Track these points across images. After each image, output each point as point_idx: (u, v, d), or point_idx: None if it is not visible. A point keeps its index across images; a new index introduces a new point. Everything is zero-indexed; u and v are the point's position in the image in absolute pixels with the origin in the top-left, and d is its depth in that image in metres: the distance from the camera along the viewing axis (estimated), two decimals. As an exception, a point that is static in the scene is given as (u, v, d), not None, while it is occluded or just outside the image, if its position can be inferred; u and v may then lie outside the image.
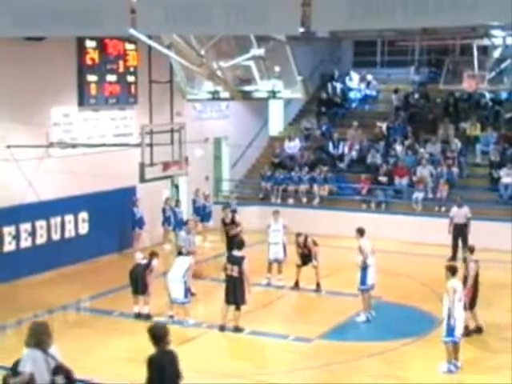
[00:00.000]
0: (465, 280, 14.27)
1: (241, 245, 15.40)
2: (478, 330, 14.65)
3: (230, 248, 18.41)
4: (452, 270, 13.03)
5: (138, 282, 15.69)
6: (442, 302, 12.96)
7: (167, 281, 15.59)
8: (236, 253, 15.18)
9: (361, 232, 15.73)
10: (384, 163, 25.06)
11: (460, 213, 20.63)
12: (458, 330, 12.77)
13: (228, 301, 14.96)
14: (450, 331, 12.77)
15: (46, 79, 18.90)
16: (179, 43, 11.77)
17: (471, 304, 14.43)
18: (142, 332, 15.13)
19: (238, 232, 19.53)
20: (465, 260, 20.08)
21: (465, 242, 20.56)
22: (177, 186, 24.11)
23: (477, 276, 14.59)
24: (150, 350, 14.17)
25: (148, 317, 15.72)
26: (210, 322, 15.48)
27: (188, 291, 15.45)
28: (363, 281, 15.61)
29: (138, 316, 15.77)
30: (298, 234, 17.73)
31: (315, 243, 17.75)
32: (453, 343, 12.83)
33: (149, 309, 15.80)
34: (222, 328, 15.04)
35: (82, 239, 20.32)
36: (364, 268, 15.57)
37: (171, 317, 15.59)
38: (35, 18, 6.81)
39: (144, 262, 15.89)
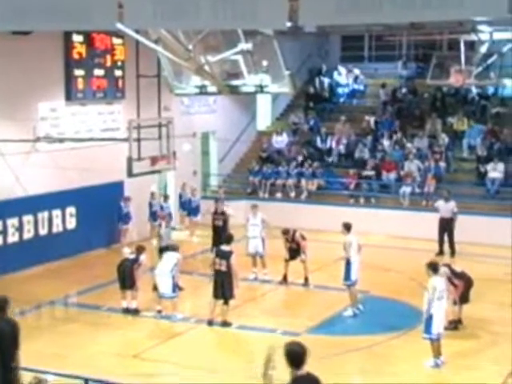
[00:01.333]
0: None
1: (229, 239, 15.42)
2: (458, 322, 14.71)
3: (215, 242, 18.47)
4: (433, 267, 13.06)
5: (126, 277, 15.66)
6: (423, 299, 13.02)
7: (155, 275, 15.59)
8: (224, 247, 15.19)
9: (347, 227, 15.72)
10: (371, 158, 25.12)
11: (447, 207, 20.71)
12: (436, 328, 12.81)
13: (216, 295, 14.97)
14: (428, 328, 12.84)
15: (33, 74, 18.81)
16: (167, 38, 11.75)
17: (461, 299, 14.50)
18: (131, 327, 15.23)
19: (220, 224, 19.57)
20: (452, 255, 20.32)
21: (451, 236, 20.67)
22: (163, 187, 24.04)
23: (463, 273, 14.64)
24: (139, 344, 14.24)
25: (136, 311, 15.73)
26: (198, 316, 15.49)
27: (176, 286, 15.45)
28: (347, 276, 15.67)
29: (126, 311, 15.76)
30: (285, 232, 17.71)
31: (303, 237, 17.77)
32: (430, 340, 12.90)
33: (137, 303, 15.79)
34: (210, 322, 15.05)
35: (69, 234, 20.27)
36: (347, 264, 15.64)
37: (159, 311, 15.60)
38: (23, 13, 6.79)
39: (132, 256, 15.88)
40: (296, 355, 6.98)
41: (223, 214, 20.01)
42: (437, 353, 12.95)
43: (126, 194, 21.32)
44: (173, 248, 16.06)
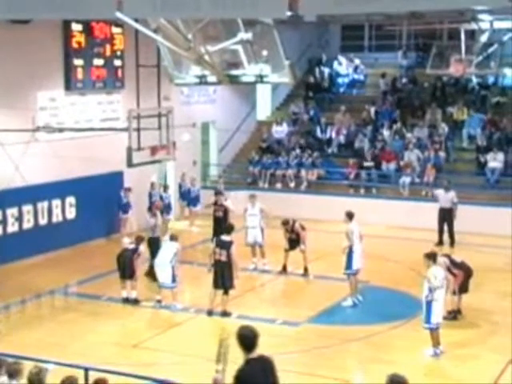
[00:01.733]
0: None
1: (230, 229, 15.43)
2: (457, 312, 14.74)
3: (216, 233, 18.47)
4: (433, 258, 13.08)
5: (126, 267, 15.69)
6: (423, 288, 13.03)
7: (155, 265, 15.60)
8: (224, 237, 15.19)
9: (350, 216, 15.76)
10: (371, 148, 25.09)
11: (446, 197, 20.68)
12: (435, 318, 12.85)
13: (216, 285, 14.99)
14: (427, 318, 12.87)
15: (32, 63, 18.77)
16: (166, 27, 11.70)
17: (461, 289, 14.52)
18: (130, 317, 15.26)
19: (221, 215, 19.58)
20: (452, 245, 20.32)
21: (450, 226, 20.66)
22: (163, 177, 24.00)
23: (462, 263, 14.66)
24: (139, 334, 14.27)
25: (136, 301, 15.75)
26: (198, 306, 15.51)
27: (176, 276, 15.45)
28: (349, 265, 15.69)
29: (126, 300, 15.78)
30: (285, 223, 17.73)
31: (303, 228, 17.78)
32: (430, 330, 12.93)
33: (136, 293, 15.82)
34: (210, 312, 15.07)
35: (69, 224, 20.27)
36: (349, 252, 15.65)
37: (159, 301, 15.62)
38: (22, 1, 6.76)
39: (131, 246, 15.89)
40: (247, 339, 7.17)
41: (223, 204, 20.00)
42: (436, 342, 12.98)
43: (125, 184, 21.31)
44: (172, 238, 16.06)
